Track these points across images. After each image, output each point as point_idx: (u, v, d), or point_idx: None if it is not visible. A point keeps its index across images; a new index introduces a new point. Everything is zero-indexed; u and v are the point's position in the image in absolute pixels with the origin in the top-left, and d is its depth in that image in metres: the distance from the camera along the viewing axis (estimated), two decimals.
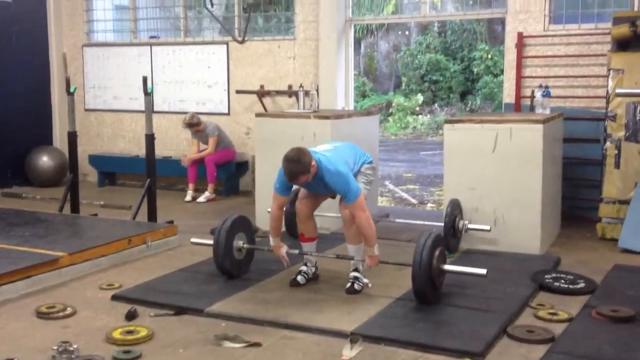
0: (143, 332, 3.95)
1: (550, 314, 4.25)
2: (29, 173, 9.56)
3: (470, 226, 5.72)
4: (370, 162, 4.97)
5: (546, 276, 4.93)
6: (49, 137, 10.05)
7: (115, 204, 7.93)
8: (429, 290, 4.36)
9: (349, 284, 4.69)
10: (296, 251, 4.95)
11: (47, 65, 9.98)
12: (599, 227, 6.33)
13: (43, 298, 4.66)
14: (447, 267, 4.51)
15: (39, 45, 9.86)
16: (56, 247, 5.38)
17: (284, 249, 4.88)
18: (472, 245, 5.84)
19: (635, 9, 6.76)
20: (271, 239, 4.87)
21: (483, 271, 4.43)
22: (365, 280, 4.73)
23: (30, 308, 4.43)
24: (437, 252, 4.39)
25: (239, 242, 5.02)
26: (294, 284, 4.82)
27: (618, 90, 5.59)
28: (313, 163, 4.42)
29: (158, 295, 4.65)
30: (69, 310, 4.35)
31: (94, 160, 9.69)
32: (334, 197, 4.86)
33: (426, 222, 6.55)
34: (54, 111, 10.08)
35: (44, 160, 9.52)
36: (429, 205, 9.41)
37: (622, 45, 6.46)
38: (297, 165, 4.38)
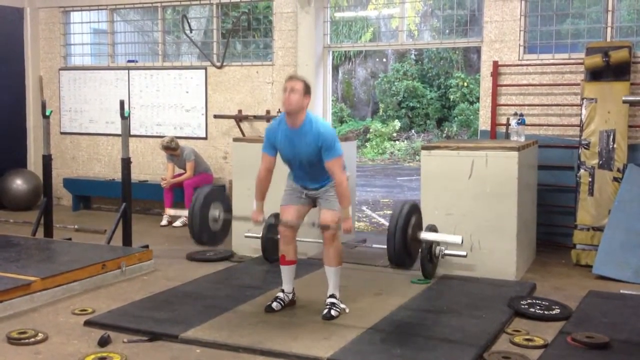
0: (116, 359, 3.89)
1: (526, 340, 4.26)
2: (2, 196, 9.43)
3: (446, 252, 5.74)
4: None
5: (522, 302, 4.95)
6: (23, 160, 9.94)
7: (90, 228, 7.86)
8: (404, 258, 4.35)
9: (325, 310, 4.66)
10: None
11: (23, 88, 9.91)
12: (574, 254, 6.38)
13: (14, 323, 4.57)
14: (423, 234, 4.50)
15: (15, 68, 9.79)
16: (28, 272, 5.29)
17: (261, 217, 4.81)
18: (449, 270, 5.85)
19: (608, 39, 6.90)
20: (254, 202, 4.82)
21: (458, 239, 4.46)
22: (342, 306, 4.71)
23: (1, 333, 4.34)
24: (412, 220, 4.36)
25: (215, 212, 4.87)
26: (269, 310, 4.79)
27: (624, 98, 5.62)
28: (309, 100, 4.57)
29: (132, 320, 4.59)
30: (40, 336, 4.27)
31: (69, 183, 9.59)
32: (314, 205, 4.83)
33: None
34: (28, 134, 9.99)
35: (18, 183, 9.40)
36: None
37: (595, 75, 6.58)
38: (299, 79, 4.59)
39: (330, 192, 4.71)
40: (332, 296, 4.73)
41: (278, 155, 4.74)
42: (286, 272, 4.88)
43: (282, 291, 4.89)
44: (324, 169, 4.61)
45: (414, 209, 4.60)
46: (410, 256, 4.45)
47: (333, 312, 4.64)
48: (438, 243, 5.77)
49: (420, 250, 4.90)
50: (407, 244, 4.36)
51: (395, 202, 4.73)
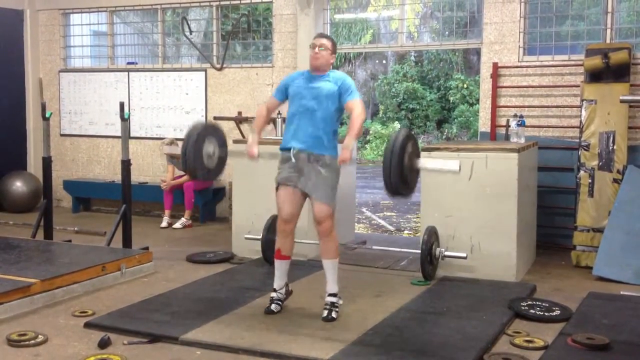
0: None
1: (526, 341, 4.26)
2: (2, 198, 9.43)
3: (446, 253, 5.74)
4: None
5: (522, 304, 4.95)
6: (23, 163, 9.95)
7: (90, 230, 7.86)
8: (400, 186, 4.24)
9: (326, 312, 4.64)
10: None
11: (23, 90, 9.92)
12: (574, 255, 6.38)
13: (14, 325, 4.56)
14: (420, 162, 4.37)
15: (15, 70, 9.80)
16: (28, 274, 5.28)
17: (256, 149, 4.75)
18: (449, 272, 5.85)
19: (607, 41, 6.90)
20: (250, 135, 4.89)
21: (455, 166, 4.39)
22: (340, 301, 4.71)
23: (1, 335, 4.33)
24: (409, 148, 4.27)
25: (209, 148, 4.77)
26: (269, 312, 4.78)
27: (622, 97, 5.62)
28: (334, 59, 4.80)
29: (132, 322, 4.59)
30: (40, 338, 4.27)
31: (69, 185, 9.60)
32: (306, 195, 4.71)
33: (403, 249, 6.57)
34: (28, 136, 10.00)
35: (18, 185, 9.41)
36: (406, 232, 9.43)
37: (594, 76, 6.58)
38: (328, 37, 4.85)
39: (322, 174, 4.60)
40: (332, 295, 4.70)
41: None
42: (280, 266, 4.83)
43: (274, 290, 4.86)
44: (329, 128, 4.63)
45: (410, 137, 4.41)
46: (408, 185, 4.33)
47: (334, 314, 4.63)
48: (438, 244, 5.78)
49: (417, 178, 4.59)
50: (403, 172, 4.23)
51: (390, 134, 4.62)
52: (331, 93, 4.63)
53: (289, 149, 4.69)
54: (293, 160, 4.65)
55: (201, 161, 4.69)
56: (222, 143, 4.88)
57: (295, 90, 4.73)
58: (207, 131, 4.80)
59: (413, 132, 4.58)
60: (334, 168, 4.66)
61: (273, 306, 4.80)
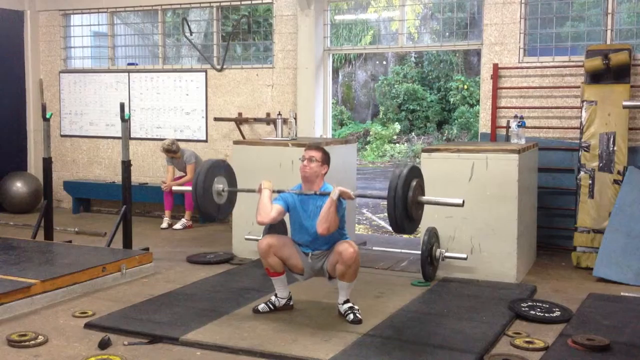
0: None
1: (526, 342, 4.26)
2: (2, 199, 9.43)
3: (447, 254, 5.74)
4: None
5: (522, 305, 4.95)
6: (23, 163, 9.95)
7: (90, 231, 7.86)
8: (405, 222, 4.26)
9: (351, 316, 4.60)
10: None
11: (23, 91, 9.93)
12: (574, 256, 6.38)
13: (14, 326, 4.57)
14: (423, 198, 4.40)
15: (15, 71, 9.81)
16: (29, 275, 5.29)
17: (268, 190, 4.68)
18: (449, 273, 5.85)
19: (608, 42, 6.90)
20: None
21: (459, 200, 4.40)
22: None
23: (1, 336, 4.34)
24: (413, 184, 4.29)
25: (219, 186, 4.88)
26: (256, 311, 4.79)
27: (624, 103, 5.61)
28: (326, 170, 4.69)
29: (132, 323, 4.59)
30: (40, 339, 4.27)
31: (69, 186, 9.60)
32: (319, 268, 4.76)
33: (403, 250, 6.59)
34: (29, 137, 10.00)
35: (18, 186, 9.41)
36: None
37: (595, 77, 6.58)
38: (319, 149, 4.69)
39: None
40: (346, 302, 4.69)
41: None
42: (275, 282, 4.84)
43: (275, 295, 4.87)
44: (333, 237, 4.61)
45: (415, 172, 4.43)
46: (412, 220, 4.37)
47: (359, 315, 4.62)
48: (439, 245, 5.78)
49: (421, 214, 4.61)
50: (407, 208, 4.25)
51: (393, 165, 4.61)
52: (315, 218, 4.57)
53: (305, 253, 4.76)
54: (309, 260, 4.74)
55: (212, 199, 4.83)
56: (231, 183, 5.00)
57: (292, 211, 4.71)
58: (217, 170, 4.89)
59: (417, 167, 4.53)
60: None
61: (261, 306, 4.82)
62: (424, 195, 4.45)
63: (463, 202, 4.39)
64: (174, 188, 7.34)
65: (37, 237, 6.95)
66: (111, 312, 4.85)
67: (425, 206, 5.95)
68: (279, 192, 4.74)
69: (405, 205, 4.21)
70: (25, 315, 4.83)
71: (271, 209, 4.59)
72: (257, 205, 4.61)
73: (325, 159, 4.69)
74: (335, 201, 4.42)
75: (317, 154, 4.65)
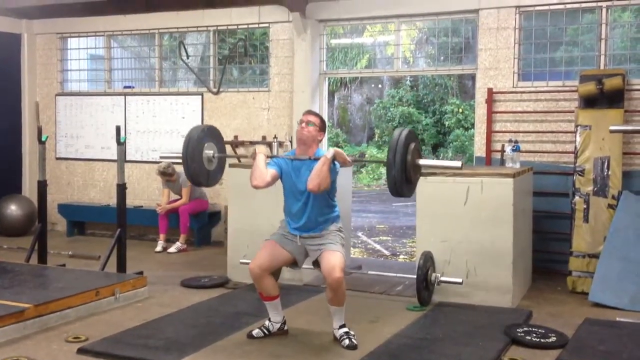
0: None
1: None
2: None
3: (442, 279, 5.73)
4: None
5: (518, 330, 4.93)
6: (18, 186, 9.93)
7: (84, 254, 7.81)
8: (404, 186, 4.28)
9: (346, 341, 4.56)
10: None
11: (19, 113, 9.94)
12: (570, 281, 6.37)
13: (7, 351, 4.52)
14: (422, 161, 4.42)
15: (11, 93, 9.83)
16: (22, 299, 5.24)
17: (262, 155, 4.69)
18: (445, 298, 5.82)
19: (601, 67, 6.96)
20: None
21: (458, 163, 4.40)
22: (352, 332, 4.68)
23: None
24: (411, 147, 4.30)
25: (209, 152, 4.84)
26: (250, 336, 4.75)
27: (611, 128, 5.62)
28: (322, 137, 4.73)
29: (126, 348, 4.55)
30: None
31: (64, 209, 9.57)
32: (306, 254, 4.75)
33: (399, 274, 6.56)
34: (24, 159, 9.99)
35: (12, 209, 9.37)
36: (402, 257, 9.41)
37: (589, 102, 6.62)
38: (317, 114, 4.74)
39: (331, 235, 4.64)
40: (342, 326, 4.66)
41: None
42: (269, 306, 4.81)
43: (269, 320, 4.83)
44: (324, 209, 4.62)
45: (412, 135, 4.45)
46: (410, 184, 4.39)
47: (354, 340, 4.57)
48: (434, 269, 5.76)
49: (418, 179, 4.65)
50: (406, 171, 4.28)
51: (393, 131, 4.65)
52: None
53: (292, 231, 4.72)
54: (299, 243, 4.70)
55: (202, 165, 4.78)
56: (221, 149, 4.94)
57: (285, 176, 4.71)
58: (206, 135, 4.85)
59: (414, 132, 4.55)
60: (337, 231, 4.69)
61: (255, 331, 4.78)
62: (421, 158, 4.47)
63: (462, 164, 4.42)
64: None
65: (31, 260, 6.91)
66: (104, 337, 4.81)
67: (420, 228, 6.00)
68: (272, 157, 4.77)
69: (404, 168, 4.24)
70: (18, 340, 4.78)
71: (267, 174, 4.61)
72: (252, 169, 4.62)
73: (322, 126, 4.75)
74: (329, 160, 4.44)
75: (315, 119, 4.71)
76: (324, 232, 4.65)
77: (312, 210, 4.62)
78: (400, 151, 4.21)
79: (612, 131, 5.74)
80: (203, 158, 4.80)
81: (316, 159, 4.54)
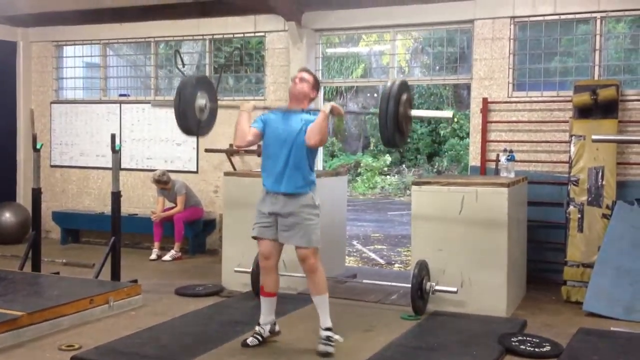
0: None
1: None
2: None
3: (437, 288, 5.73)
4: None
5: (512, 339, 4.93)
6: (12, 193, 9.90)
7: (78, 262, 7.79)
8: (396, 136, 4.32)
9: (322, 346, 4.56)
10: None
11: (14, 121, 9.93)
12: (564, 290, 6.38)
13: (0, 359, 4.50)
14: (413, 112, 4.48)
15: (6, 101, 9.82)
16: (15, 307, 5.22)
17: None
18: (439, 307, 5.82)
19: (596, 77, 6.99)
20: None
21: (449, 114, 4.45)
22: (337, 337, 4.66)
23: None
24: (403, 98, 4.35)
25: (201, 101, 4.86)
26: (244, 345, 4.73)
27: (594, 137, 5.66)
28: (315, 95, 4.80)
29: (119, 357, 4.53)
30: None
31: (58, 217, 9.54)
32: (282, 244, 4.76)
33: (393, 283, 6.55)
34: (18, 167, 9.97)
35: (7, 216, 9.35)
36: (397, 265, 9.41)
37: (583, 112, 6.65)
38: (311, 73, 4.81)
39: (301, 216, 4.61)
40: (327, 329, 4.64)
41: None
42: (265, 303, 4.82)
43: (258, 324, 4.82)
44: (303, 166, 4.62)
45: (404, 87, 4.51)
46: (402, 133, 4.43)
47: (330, 349, 4.56)
48: (429, 278, 5.76)
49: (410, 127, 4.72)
50: (398, 121, 4.33)
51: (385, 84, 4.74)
52: (301, 132, 4.59)
53: (268, 198, 4.73)
54: (272, 222, 4.68)
55: (194, 114, 4.82)
56: (213, 98, 4.99)
57: (270, 126, 4.76)
58: (199, 85, 4.88)
59: (406, 83, 4.63)
60: (311, 206, 4.67)
61: (250, 339, 4.76)
62: (412, 109, 4.55)
63: (453, 115, 4.51)
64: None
65: (25, 268, 6.89)
66: (98, 345, 4.79)
67: (415, 237, 6.00)
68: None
69: (396, 118, 4.30)
70: (11, 348, 4.76)
71: (248, 133, 4.72)
72: (235, 127, 4.71)
73: (316, 85, 4.82)
74: (327, 114, 4.52)
75: (309, 77, 4.78)
76: (295, 205, 4.61)
77: (293, 160, 4.60)
78: (393, 101, 4.30)
79: (594, 140, 5.77)
80: (195, 107, 4.83)
81: (308, 111, 4.63)
